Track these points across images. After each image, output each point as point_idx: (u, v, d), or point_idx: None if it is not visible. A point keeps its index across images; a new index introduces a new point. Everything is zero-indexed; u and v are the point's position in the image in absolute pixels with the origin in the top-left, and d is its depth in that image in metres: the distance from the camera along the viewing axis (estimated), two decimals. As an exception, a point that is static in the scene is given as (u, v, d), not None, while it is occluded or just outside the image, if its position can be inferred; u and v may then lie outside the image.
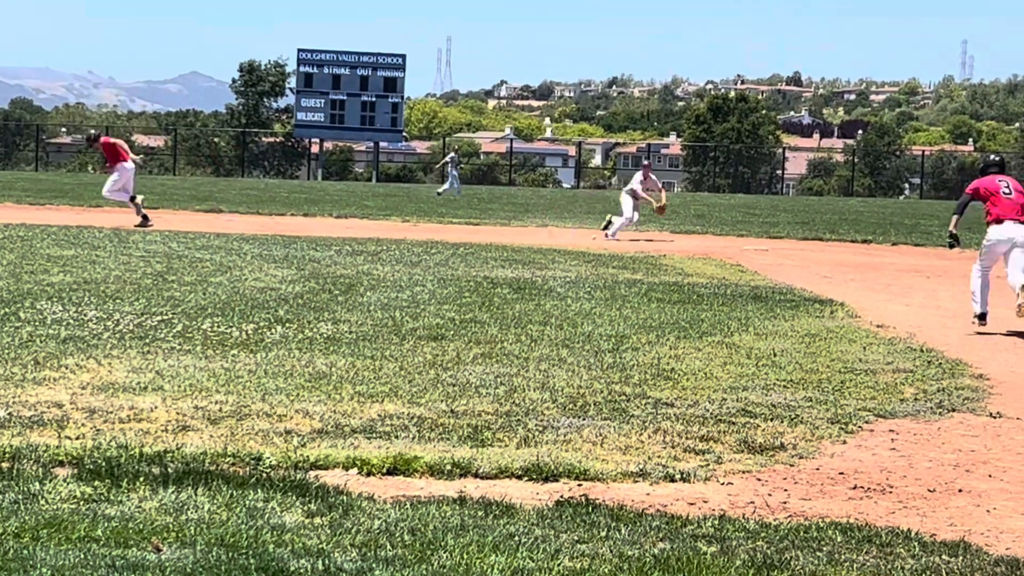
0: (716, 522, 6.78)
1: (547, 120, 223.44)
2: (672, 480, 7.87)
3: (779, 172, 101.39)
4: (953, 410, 10.38)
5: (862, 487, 7.86)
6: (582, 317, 15.00)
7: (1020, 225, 15.72)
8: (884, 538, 6.54)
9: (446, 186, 59.74)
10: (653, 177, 32.75)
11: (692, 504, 7.32)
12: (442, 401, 9.89)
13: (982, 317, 15.72)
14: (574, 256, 25.03)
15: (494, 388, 10.47)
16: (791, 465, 8.36)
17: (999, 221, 15.92)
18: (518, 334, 13.41)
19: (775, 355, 12.64)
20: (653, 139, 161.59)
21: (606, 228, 31.30)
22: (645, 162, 34.71)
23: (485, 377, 10.93)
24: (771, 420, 9.63)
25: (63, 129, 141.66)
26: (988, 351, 13.86)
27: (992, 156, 17.96)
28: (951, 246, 18.05)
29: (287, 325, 13.57)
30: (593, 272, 21.40)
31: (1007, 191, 16.08)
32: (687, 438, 8.93)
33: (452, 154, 63.53)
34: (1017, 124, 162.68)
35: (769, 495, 7.60)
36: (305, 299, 15.97)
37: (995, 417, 10.21)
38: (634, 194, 31.47)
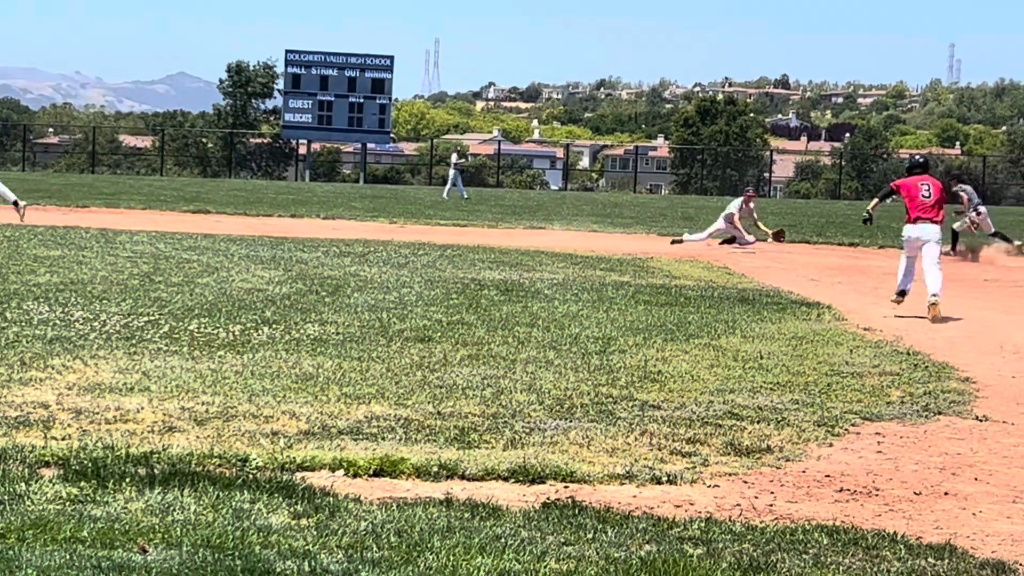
0: (702, 524, 6.79)
1: (535, 122, 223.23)
2: (659, 482, 7.87)
3: (767, 175, 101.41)
4: (939, 413, 10.39)
5: (848, 490, 7.87)
6: (569, 319, 15.01)
7: (931, 224, 17.84)
8: (870, 541, 6.55)
9: (448, 187, 59.85)
10: (752, 205, 32.27)
11: (678, 506, 7.33)
12: (429, 403, 9.89)
13: (901, 294, 17.77)
14: (561, 258, 25.04)
15: (481, 390, 10.46)
16: (777, 468, 8.37)
17: (914, 220, 17.87)
18: (505, 336, 13.41)
19: (762, 358, 12.65)
20: (641, 141, 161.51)
21: (677, 242, 30.88)
22: (749, 190, 34.35)
23: (472, 379, 10.93)
24: (758, 423, 9.64)
25: (50, 129, 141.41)
26: (974, 354, 13.89)
27: (917, 157, 20.83)
28: (865, 222, 20.48)
29: (274, 326, 13.56)
30: (580, 274, 21.41)
31: (926, 194, 17.98)
32: (674, 440, 8.93)
33: (456, 157, 63.65)
34: (1004, 127, 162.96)
35: (755, 498, 7.61)
36: (292, 300, 15.96)
37: (981, 420, 10.23)
38: (730, 219, 30.98)
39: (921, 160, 19.69)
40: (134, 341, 12.35)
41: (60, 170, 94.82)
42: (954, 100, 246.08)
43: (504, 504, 7.09)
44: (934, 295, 16.99)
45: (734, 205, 31.41)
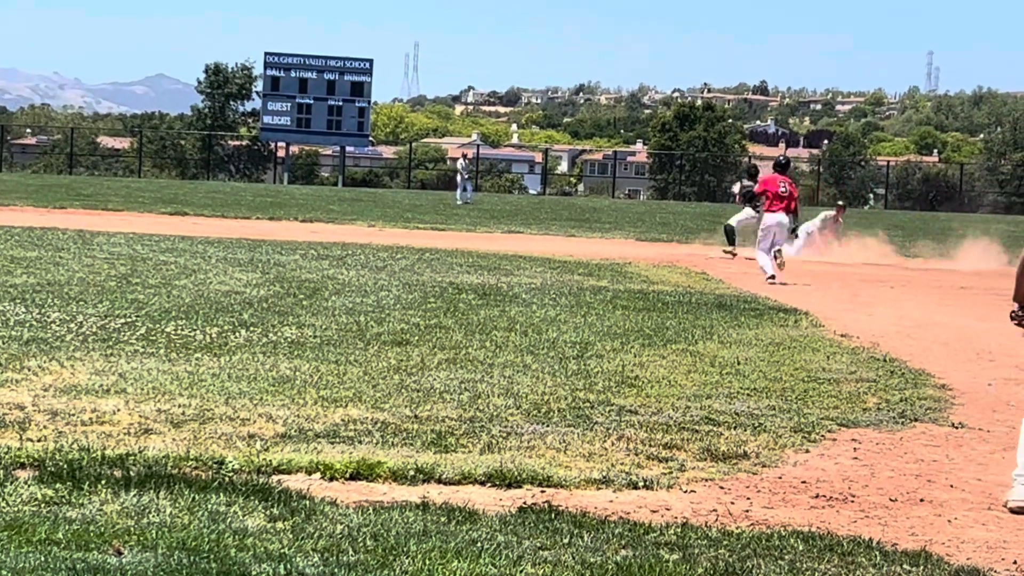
0: (679, 530, 6.79)
1: (514, 126, 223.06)
2: (635, 487, 7.87)
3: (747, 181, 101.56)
4: (915, 420, 10.42)
5: (824, 496, 7.88)
6: (547, 324, 15.02)
7: (784, 214, 23.74)
8: (846, 547, 6.56)
9: (459, 191, 60.38)
10: (842, 220, 32.97)
11: (655, 512, 7.33)
12: (406, 406, 9.88)
13: (772, 278, 22.90)
14: (539, 263, 25.06)
15: (458, 394, 10.46)
16: (754, 473, 8.38)
17: (772, 211, 23.72)
18: (483, 340, 13.41)
19: (739, 363, 12.67)
20: (619, 147, 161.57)
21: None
22: (840, 202, 35.15)
23: (449, 383, 10.92)
24: (734, 428, 9.65)
25: (28, 130, 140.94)
26: (950, 361, 13.93)
27: (781, 158, 26.45)
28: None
29: (251, 329, 13.53)
30: (558, 279, 21.43)
31: (784, 191, 23.84)
32: (650, 446, 8.94)
33: (462, 160, 64.12)
34: (981, 135, 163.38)
35: (732, 503, 7.61)
36: (269, 303, 15.94)
37: (957, 428, 10.26)
38: (819, 226, 31.73)
39: (784, 161, 25.43)
40: (111, 343, 12.32)
41: (38, 171, 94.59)
42: (932, 108, 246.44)
43: (481, 508, 7.08)
44: (779, 250, 23.54)
45: (824, 217, 32.07)
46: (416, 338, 13.37)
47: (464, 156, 69.36)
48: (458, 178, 62.71)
